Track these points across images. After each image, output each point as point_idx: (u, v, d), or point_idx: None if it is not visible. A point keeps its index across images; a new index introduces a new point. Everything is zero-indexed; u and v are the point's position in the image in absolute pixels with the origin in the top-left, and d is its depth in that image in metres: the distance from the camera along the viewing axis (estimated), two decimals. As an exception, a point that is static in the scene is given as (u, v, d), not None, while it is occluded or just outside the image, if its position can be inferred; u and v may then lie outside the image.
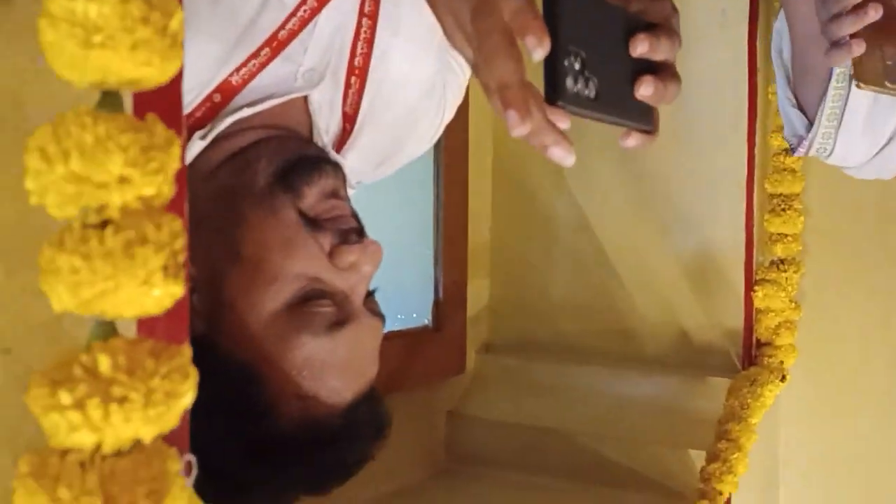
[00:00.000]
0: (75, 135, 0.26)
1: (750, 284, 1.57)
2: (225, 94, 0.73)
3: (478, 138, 1.67)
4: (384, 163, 0.93)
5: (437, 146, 1.55)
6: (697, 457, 1.38)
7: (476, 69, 0.53)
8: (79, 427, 0.27)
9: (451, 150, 1.59)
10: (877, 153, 1.04)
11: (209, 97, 0.72)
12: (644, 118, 0.55)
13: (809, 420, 1.62)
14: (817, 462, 1.62)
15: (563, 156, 0.51)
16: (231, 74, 0.73)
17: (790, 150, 1.09)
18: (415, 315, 1.57)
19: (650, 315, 1.63)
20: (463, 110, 1.59)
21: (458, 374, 1.64)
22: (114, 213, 0.27)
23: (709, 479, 1.26)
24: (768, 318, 1.56)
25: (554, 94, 0.49)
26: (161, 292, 0.27)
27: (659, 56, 0.54)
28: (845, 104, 0.98)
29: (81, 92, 0.29)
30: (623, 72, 0.53)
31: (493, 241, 1.74)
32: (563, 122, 0.50)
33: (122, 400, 0.27)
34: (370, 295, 0.75)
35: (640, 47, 0.53)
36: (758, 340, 1.58)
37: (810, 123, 1.02)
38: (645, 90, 0.53)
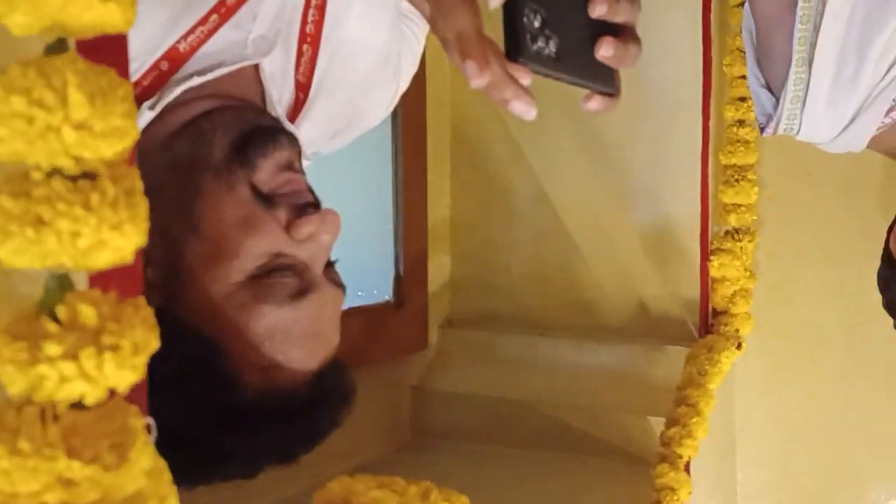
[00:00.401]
0: (75, 82, 0.25)
1: (706, 254, 1.59)
2: (172, 62, 0.71)
3: (436, 113, 1.67)
4: (339, 133, 0.92)
5: (394, 122, 1.55)
6: (657, 423, 1.40)
7: (433, 23, 0.53)
8: (71, 378, 0.26)
9: (410, 125, 1.59)
10: (842, 131, 1.06)
11: (156, 65, 0.70)
12: (606, 80, 0.55)
13: (765, 386, 1.65)
14: (773, 427, 1.66)
15: (524, 110, 0.51)
16: (178, 41, 0.71)
17: (760, 130, 1.11)
18: (375, 291, 1.57)
19: (609, 286, 1.65)
20: (420, 85, 1.59)
21: (420, 349, 1.64)
22: (99, 165, 0.26)
23: (669, 444, 1.28)
24: (724, 287, 1.58)
25: (514, 50, 0.49)
26: (141, 242, 0.27)
27: (619, 18, 0.54)
28: (807, 87, 1.00)
29: (25, 40, 0.28)
30: (584, 33, 0.53)
31: (453, 216, 1.74)
32: (525, 79, 0.50)
33: (115, 348, 0.26)
34: (330, 265, 0.74)
35: (599, 8, 0.53)
36: (714, 309, 1.60)
37: (778, 101, 1.04)
38: (605, 51, 0.53)
